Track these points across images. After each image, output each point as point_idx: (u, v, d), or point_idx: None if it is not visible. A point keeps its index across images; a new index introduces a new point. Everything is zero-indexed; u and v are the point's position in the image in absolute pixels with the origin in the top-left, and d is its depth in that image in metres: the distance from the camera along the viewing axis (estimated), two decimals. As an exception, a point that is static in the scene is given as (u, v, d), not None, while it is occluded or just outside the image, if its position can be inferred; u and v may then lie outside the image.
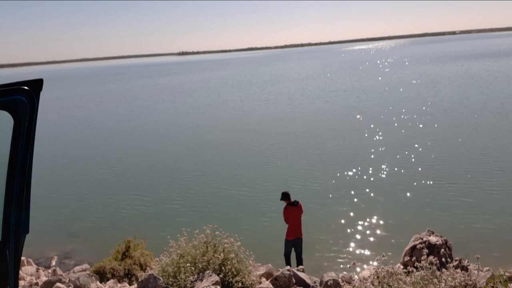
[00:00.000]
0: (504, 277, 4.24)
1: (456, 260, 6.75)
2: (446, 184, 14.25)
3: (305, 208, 8.88)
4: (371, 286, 4.85)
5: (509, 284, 3.93)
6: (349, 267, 9.13)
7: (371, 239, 10.95)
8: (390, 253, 8.93)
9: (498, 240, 10.24)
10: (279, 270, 6.97)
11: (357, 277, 6.59)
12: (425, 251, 5.03)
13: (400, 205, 12.89)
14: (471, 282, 4.46)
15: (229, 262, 6.09)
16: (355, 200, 13.59)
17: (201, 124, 29.22)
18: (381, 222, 11.86)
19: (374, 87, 43.16)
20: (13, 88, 2.09)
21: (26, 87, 2.12)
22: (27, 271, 9.05)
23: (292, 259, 8.80)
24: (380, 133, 22.19)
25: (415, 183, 14.52)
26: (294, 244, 8.68)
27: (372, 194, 13.91)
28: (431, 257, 4.69)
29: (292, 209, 8.54)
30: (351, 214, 12.52)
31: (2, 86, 2.10)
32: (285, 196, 8.66)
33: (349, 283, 6.42)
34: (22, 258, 8.02)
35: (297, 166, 17.47)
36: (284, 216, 8.60)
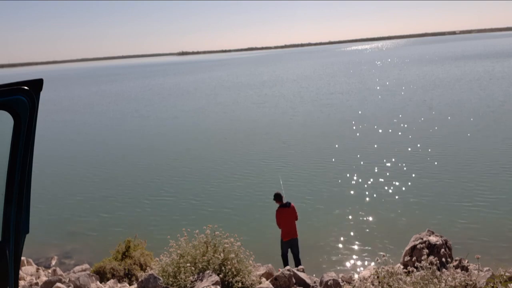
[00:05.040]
0: (504, 277, 4.24)
1: (456, 260, 6.75)
2: (446, 184, 14.25)
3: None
4: (371, 286, 4.85)
5: (509, 284, 3.93)
6: (349, 267, 9.14)
7: (371, 239, 10.93)
8: (390, 253, 8.93)
9: (498, 240, 10.23)
10: (279, 270, 6.96)
11: (357, 277, 6.60)
12: (425, 251, 5.04)
13: (400, 205, 12.88)
14: (471, 282, 4.46)
15: (229, 262, 6.09)
16: (355, 200, 13.58)
17: (200, 125, 29.23)
18: (381, 222, 11.86)
19: (374, 88, 43.17)
20: (13, 88, 2.09)
21: (26, 87, 2.11)
22: (27, 271, 9.06)
23: (291, 260, 8.79)
24: (379, 134, 22.19)
25: (415, 183, 14.51)
26: (290, 245, 8.68)
27: (372, 194, 13.90)
28: (431, 257, 4.69)
29: (284, 211, 8.54)
30: (351, 214, 12.51)
31: (2, 86, 2.10)
32: (277, 197, 8.66)
33: (349, 283, 6.42)
34: (22, 258, 8.02)
35: (297, 167, 17.47)
36: (277, 220, 8.59)
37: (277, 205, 8.72)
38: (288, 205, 8.61)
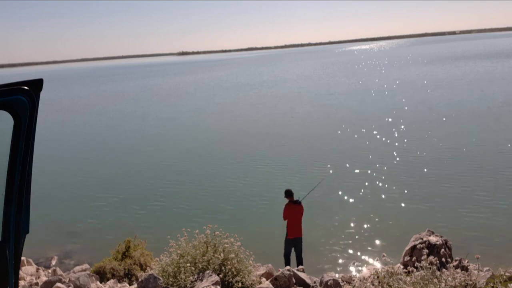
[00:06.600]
0: (504, 277, 4.24)
1: (456, 260, 6.75)
2: (446, 184, 14.24)
3: (304, 209, 8.88)
4: (371, 286, 4.85)
5: (509, 284, 3.93)
6: (349, 267, 9.14)
7: (371, 239, 10.94)
8: (390, 253, 8.93)
9: (498, 240, 10.24)
10: (279, 270, 6.96)
11: (357, 277, 6.59)
12: (425, 251, 5.04)
13: (400, 205, 12.89)
14: (471, 282, 4.46)
15: (229, 262, 6.09)
16: (355, 200, 13.58)
17: (200, 125, 29.23)
18: (381, 222, 11.86)
19: (374, 89, 43.16)
20: (13, 88, 2.09)
21: (26, 87, 2.11)
22: (27, 271, 9.06)
23: (292, 259, 8.80)
24: (379, 134, 22.18)
25: (415, 183, 14.52)
26: (294, 244, 8.70)
27: (371, 194, 13.90)
28: (431, 257, 4.69)
29: (294, 208, 8.58)
30: (351, 214, 12.51)
31: (2, 86, 2.10)
32: (288, 193, 8.71)
33: (349, 283, 6.42)
34: (22, 258, 8.02)
35: (297, 167, 17.47)
36: (284, 213, 8.62)
37: (283, 203, 8.77)
38: (298, 202, 8.64)
